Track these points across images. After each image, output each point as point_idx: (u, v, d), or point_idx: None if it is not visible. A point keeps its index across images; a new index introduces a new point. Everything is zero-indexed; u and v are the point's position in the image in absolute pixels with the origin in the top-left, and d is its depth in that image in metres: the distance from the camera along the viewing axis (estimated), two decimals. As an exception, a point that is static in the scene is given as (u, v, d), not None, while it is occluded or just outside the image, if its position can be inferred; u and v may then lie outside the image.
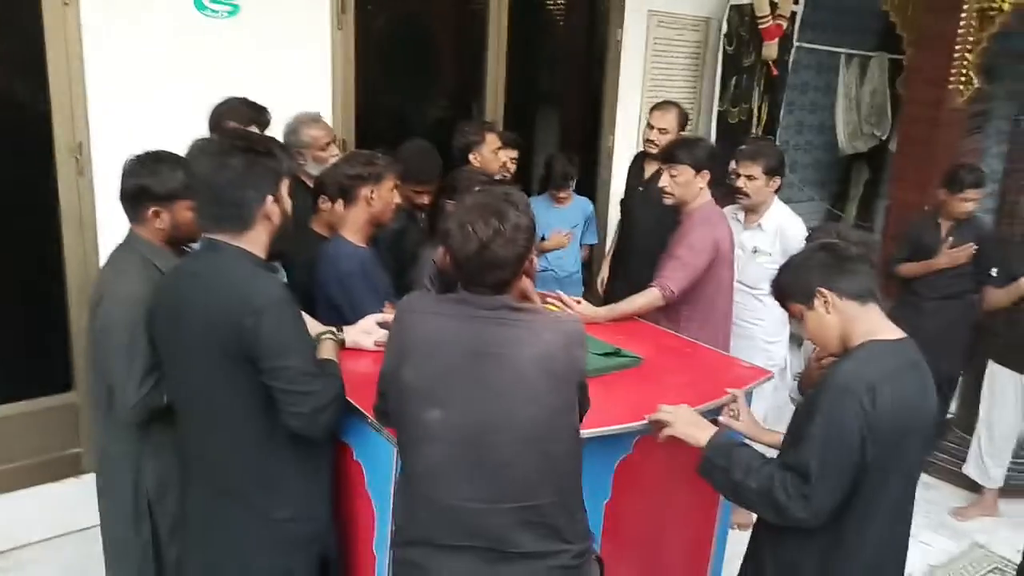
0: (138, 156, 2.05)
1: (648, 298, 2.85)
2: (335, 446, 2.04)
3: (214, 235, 1.78)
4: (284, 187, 1.85)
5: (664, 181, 2.96)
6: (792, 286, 1.87)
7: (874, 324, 1.79)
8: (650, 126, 3.77)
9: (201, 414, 1.86)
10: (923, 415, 1.75)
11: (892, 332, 1.80)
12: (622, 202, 4.03)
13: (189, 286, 1.79)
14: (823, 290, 1.79)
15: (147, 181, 2.00)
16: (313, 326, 2.05)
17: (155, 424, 2.02)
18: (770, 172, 3.23)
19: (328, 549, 1.98)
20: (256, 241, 1.79)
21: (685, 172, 2.90)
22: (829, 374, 1.76)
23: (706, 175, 2.93)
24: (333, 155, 3.07)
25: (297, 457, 1.85)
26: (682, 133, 3.79)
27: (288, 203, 1.86)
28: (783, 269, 1.93)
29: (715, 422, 2.10)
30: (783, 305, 1.93)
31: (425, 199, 3.04)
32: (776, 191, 3.33)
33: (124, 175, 2.04)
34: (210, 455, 1.88)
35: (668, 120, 3.73)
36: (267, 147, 1.84)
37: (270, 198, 1.79)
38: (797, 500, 1.68)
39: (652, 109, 3.86)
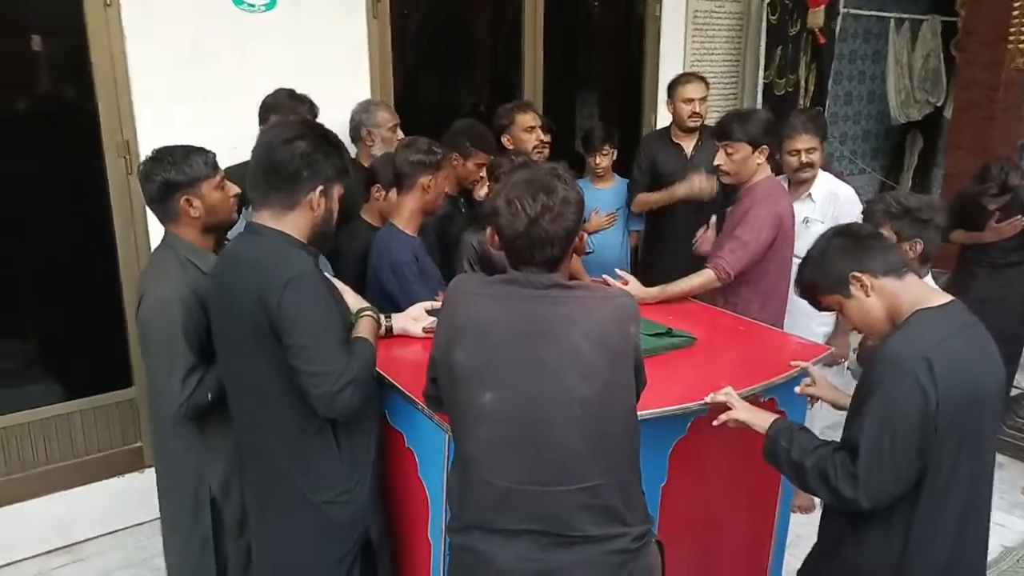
0: (148, 157, 2.03)
1: (703, 279, 2.76)
2: (381, 429, 2.02)
3: (258, 213, 1.80)
4: (337, 189, 1.85)
5: (720, 159, 2.83)
6: (820, 278, 1.80)
7: (918, 293, 1.71)
8: (688, 99, 3.61)
9: (245, 397, 1.87)
10: (986, 378, 1.66)
11: (939, 298, 1.72)
12: (651, 185, 3.74)
13: (230, 270, 1.81)
14: (857, 274, 1.72)
15: (168, 175, 1.99)
16: (354, 302, 2.02)
17: (212, 420, 2.03)
18: (823, 140, 3.20)
19: (370, 532, 1.96)
20: (295, 227, 1.80)
21: (742, 149, 2.77)
22: (881, 349, 1.69)
23: (764, 150, 2.80)
24: (400, 138, 3.08)
25: (336, 439, 1.84)
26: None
27: (336, 205, 1.86)
28: (803, 265, 1.85)
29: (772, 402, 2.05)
30: (814, 301, 1.86)
31: (484, 172, 3.02)
32: None
33: (144, 179, 2.02)
34: (256, 439, 1.89)
35: (703, 88, 3.62)
36: (337, 144, 1.85)
37: (321, 188, 1.79)
38: (846, 479, 1.63)
39: (676, 85, 3.66)
